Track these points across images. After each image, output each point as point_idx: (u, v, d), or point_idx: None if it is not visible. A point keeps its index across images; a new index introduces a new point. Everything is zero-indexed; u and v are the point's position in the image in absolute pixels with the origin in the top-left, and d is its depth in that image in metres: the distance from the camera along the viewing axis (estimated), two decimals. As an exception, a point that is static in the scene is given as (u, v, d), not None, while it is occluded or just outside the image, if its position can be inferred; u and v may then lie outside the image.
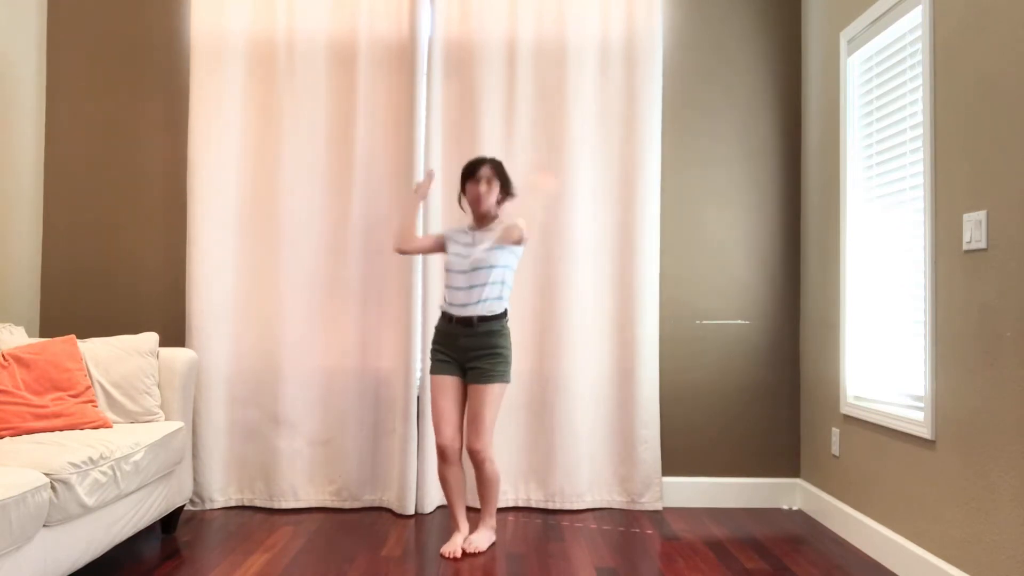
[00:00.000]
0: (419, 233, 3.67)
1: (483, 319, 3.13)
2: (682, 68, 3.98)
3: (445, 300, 3.21)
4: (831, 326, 3.59)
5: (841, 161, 3.51)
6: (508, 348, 3.16)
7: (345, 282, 3.83)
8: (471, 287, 3.13)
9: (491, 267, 3.13)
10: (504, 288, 3.18)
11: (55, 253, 3.92)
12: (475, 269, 3.13)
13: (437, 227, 3.77)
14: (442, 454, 3.15)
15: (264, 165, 3.85)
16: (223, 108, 3.81)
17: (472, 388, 3.14)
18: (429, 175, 3.38)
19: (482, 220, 3.26)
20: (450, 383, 3.16)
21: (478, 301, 3.13)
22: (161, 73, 3.95)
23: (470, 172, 3.23)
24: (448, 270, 3.20)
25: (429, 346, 3.63)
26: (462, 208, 3.37)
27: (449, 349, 3.17)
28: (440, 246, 3.31)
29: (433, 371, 3.19)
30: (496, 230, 3.21)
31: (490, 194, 3.20)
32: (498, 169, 3.24)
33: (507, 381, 3.15)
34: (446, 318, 3.19)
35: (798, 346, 3.97)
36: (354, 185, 3.83)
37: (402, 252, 3.34)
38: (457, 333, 3.15)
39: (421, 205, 3.48)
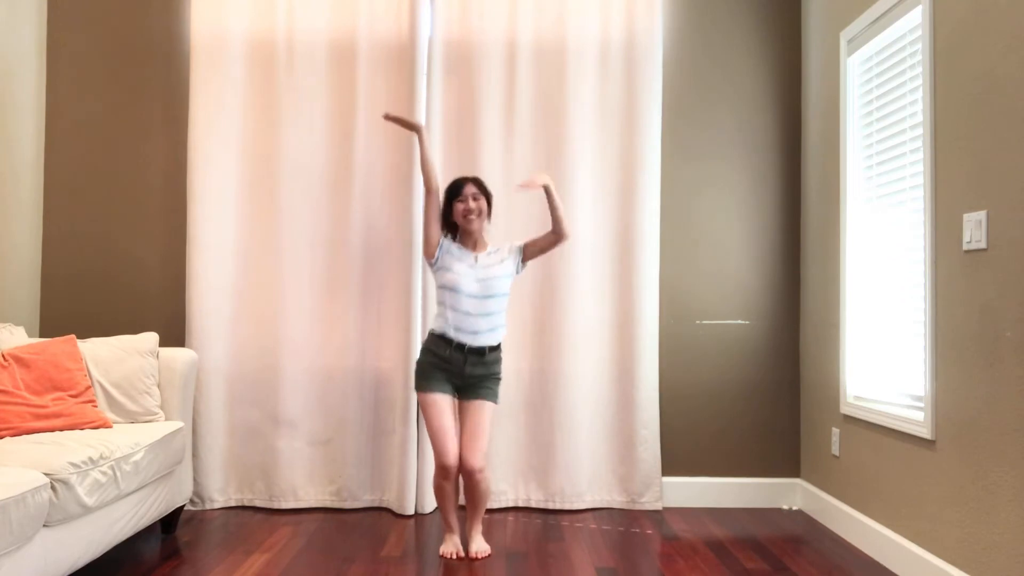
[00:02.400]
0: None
1: (492, 349, 3.12)
2: (682, 68, 3.98)
3: (449, 324, 3.08)
4: (831, 326, 3.59)
5: (841, 161, 3.50)
6: (502, 369, 3.21)
7: (345, 282, 3.83)
8: (487, 314, 3.08)
9: (504, 295, 3.13)
10: (505, 312, 3.19)
11: (55, 253, 3.92)
12: (487, 296, 3.09)
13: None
14: (446, 473, 3.05)
15: (264, 165, 3.85)
16: (223, 108, 3.81)
17: (473, 404, 3.10)
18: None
19: (471, 240, 3.20)
20: (447, 402, 3.09)
21: (491, 329, 3.10)
22: (161, 73, 3.95)
23: (455, 192, 3.18)
24: (453, 290, 3.09)
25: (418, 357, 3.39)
26: (444, 233, 3.22)
27: (449, 374, 3.09)
28: (436, 240, 3.16)
29: (429, 389, 3.07)
30: (501, 250, 3.19)
31: (480, 210, 3.16)
32: (481, 187, 3.21)
33: (498, 401, 3.20)
34: (450, 344, 3.07)
35: (798, 346, 3.97)
36: (354, 185, 3.82)
37: (426, 173, 3.18)
38: (463, 360, 3.07)
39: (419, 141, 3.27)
